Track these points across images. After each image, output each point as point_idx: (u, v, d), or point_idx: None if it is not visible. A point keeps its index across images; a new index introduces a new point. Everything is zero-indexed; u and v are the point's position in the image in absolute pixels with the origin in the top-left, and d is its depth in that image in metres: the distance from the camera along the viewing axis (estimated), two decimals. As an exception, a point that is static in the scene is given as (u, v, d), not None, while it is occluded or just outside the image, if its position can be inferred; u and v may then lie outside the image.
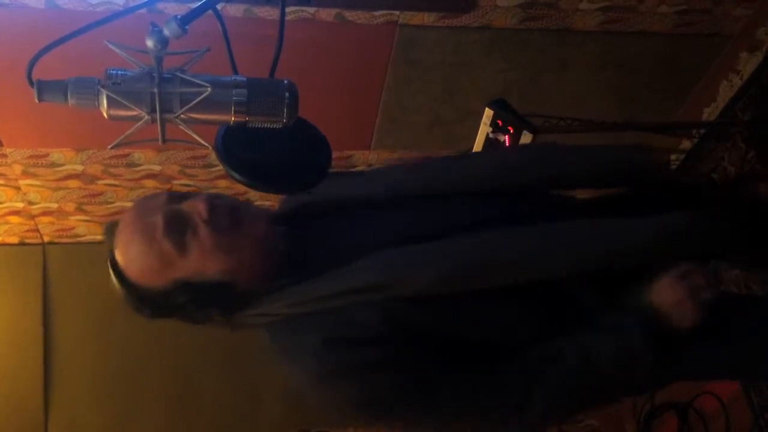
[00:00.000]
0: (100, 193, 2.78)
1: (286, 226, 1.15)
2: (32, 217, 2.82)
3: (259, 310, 1.09)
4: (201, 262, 1.05)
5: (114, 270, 1.07)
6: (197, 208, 1.05)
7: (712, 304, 1.10)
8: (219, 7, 0.90)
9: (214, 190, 2.84)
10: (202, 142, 0.89)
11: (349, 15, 2.29)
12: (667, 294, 1.09)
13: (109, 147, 0.89)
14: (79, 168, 2.65)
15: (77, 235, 2.93)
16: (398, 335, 1.05)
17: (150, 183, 2.77)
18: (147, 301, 1.07)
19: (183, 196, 1.08)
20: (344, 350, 1.04)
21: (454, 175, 1.26)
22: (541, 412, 1.07)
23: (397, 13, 2.32)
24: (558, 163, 1.28)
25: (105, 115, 0.84)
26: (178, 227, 1.04)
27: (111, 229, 1.09)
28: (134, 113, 0.84)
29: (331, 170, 1.07)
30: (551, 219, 1.16)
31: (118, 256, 1.06)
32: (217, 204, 1.07)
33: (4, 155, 2.54)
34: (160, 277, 1.05)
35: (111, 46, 0.82)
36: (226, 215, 1.06)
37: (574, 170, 1.28)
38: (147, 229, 1.04)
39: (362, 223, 1.18)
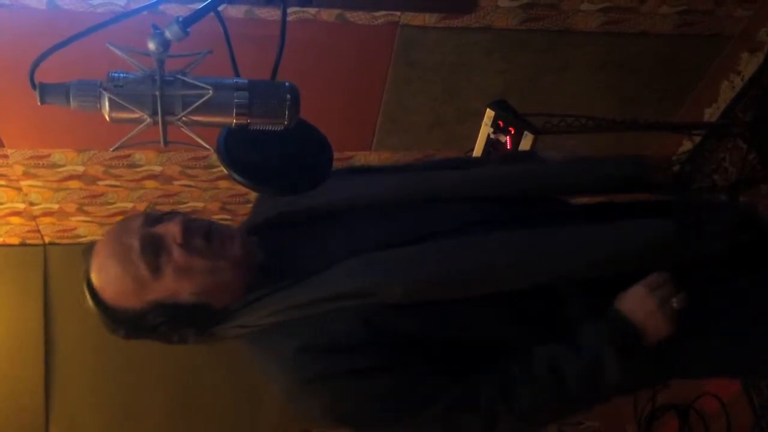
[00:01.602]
0: (101, 194, 2.78)
1: (260, 236, 1.16)
2: (33, 217, 2.82)
3: (236, 323, 1.10)
4: (175, 284, 1.05)
5: (89, 291, 1.08)
6: (172, 231, 1.06)
7: (684, 313, 1.10)
8: (220, 8, 0.90)
9: (214, 191, 2.84)
10: (204, 144, 0.89)
11: (350, 16, 2.29)
12: (636, 306, 1.09)
13: (111, 149, 0.89)
14: (80, 169, 2.65)
15: (78, 236, 2.93)
16: (374, 343, 1.05)
17: (151, 184, 2.77)
18: (122, 322, 1.08)
19: (159, 218, 1.09)
20: (320, 358, 1.04)
21: (446, 181, 1.25)
22: (509, 426, 1.08)
23: (398, 13, 2.32)
24: (554, 175, 1.28)
25: (107, 117, 0.84)
26: (153, 250, 1.05)
27: (88, 251, 1.10)
28: (136, 116, 0.84)
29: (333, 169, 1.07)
30: (541, 225, 1.15)
31: (94, 278, 1.07)
32: (191, 226, 1.07)
33: (6, 156, 2.54)
34: (134, 299, 1.06)
35: (112, 49, 0.82)
36: (201, 237, 1.07)
37: (568, 182, 1.28)
38: (123, 252, 1.05)
39: (345, 228, 1.18)
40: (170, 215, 1.10)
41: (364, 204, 1.20)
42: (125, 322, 1.08)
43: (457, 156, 2.44)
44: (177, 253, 1.05)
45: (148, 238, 1.05)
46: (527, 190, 1.25)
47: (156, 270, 1.04)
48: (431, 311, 1.06)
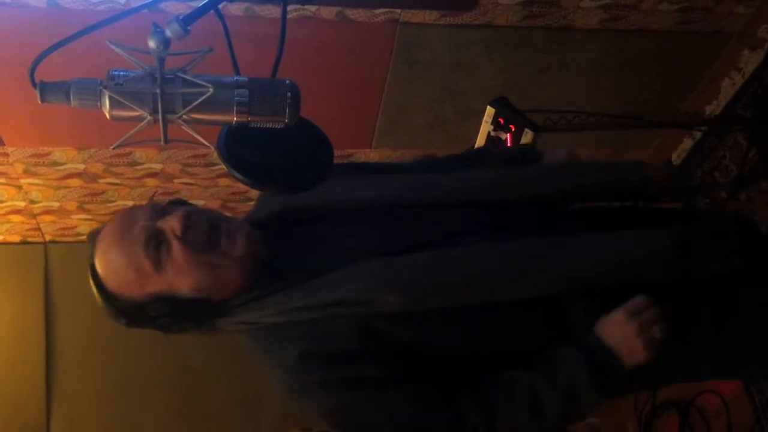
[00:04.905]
0: (102, 192, 2.78)
1: (263, 231, 1.15)
2: (34, 215, 2.82)
3: (237, 319, 1.10)
4: (175, 278, 1.06)
5: (93, 278, 1.08)
6: (172, 224, 1.05)
7: (665, 339, 1.09)
8: (220, 6, 0.90)
9: (215, 189, 2.84)
10: (205, 142, 0.89)
11: (350, 13, 2.29)
12: (614, 331, 1.08)
13: (111, 148, 0.89)
14: (81, 167, 2.65)
15: (79, 234, 2.93)
16: (374, 352, 1.05)
17: (151, 182, 2.77)
18: (123, 311, 1.09)
19: (164, 210, 1.09)
20: (321, 366, 1.05)
21: (446, 186, 1.25)
22: None
23: (398, 11, 2.32)
24: (554, 180, 1.28)
25: (107, 115, 0.84)
26: (155, 243, 1.05)
27: (93, 237, 1.10)
28: (136, 114, 0.84)
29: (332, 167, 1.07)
30: (543, 232, 1.15)
31: (98, 265, 1.08)
32: (194, 220, 1.07)
33: (6, 154, 2.54)
34: (136, 290, 1.07)
35: (113, 47, 0.82)
36: (203, 232, 1.07)
37: (568, 187, 1.27)
38: (127, 242, 1.05)
39: (346, 230, 1.17)
40: (176, 206, 1.10)
41: (368, 205, 1.20)
42: (126, 312, 1.09)
43: (459, 153, 2.44)
44: (176, 247, 1.05)
45: (151, 231, 1.05)
46: (526, 195, 1.24)
47: (158, 263, 1.05)
48: (430, 320, 1.07)
